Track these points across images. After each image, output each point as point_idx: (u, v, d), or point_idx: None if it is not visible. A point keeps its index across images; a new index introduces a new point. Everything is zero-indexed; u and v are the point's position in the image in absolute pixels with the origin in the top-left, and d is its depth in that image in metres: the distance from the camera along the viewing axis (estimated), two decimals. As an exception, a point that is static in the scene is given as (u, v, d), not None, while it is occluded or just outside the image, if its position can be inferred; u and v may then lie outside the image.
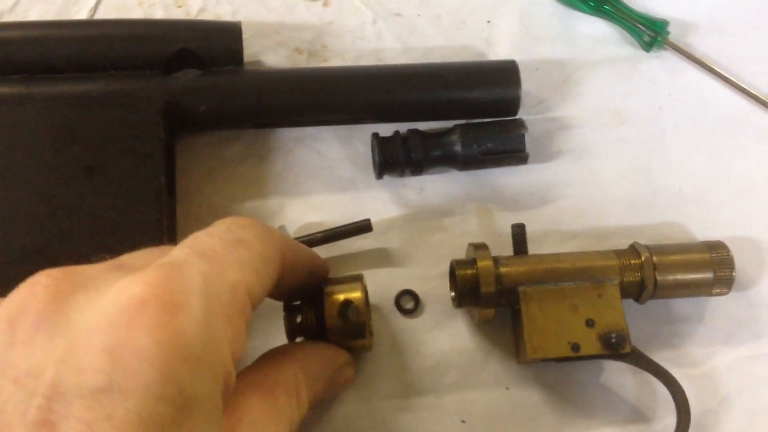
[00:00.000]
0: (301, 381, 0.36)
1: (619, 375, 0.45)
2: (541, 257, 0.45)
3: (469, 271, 0.44)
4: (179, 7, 0.51)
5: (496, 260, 0.44)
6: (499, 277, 0.43)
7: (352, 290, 0.40)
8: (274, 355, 0.37)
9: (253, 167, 0.48)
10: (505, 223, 0.48)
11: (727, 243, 0.45)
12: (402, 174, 0.47)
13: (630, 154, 0.50)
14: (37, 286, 0.26)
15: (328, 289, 0.41)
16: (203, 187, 0.48)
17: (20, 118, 0.43)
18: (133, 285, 0.25)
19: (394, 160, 0.46)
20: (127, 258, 0.31)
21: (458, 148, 0.46)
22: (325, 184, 0.48)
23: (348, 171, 0.49)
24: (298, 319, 0.41)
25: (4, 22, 0.49)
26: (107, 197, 0.42)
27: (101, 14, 0.51)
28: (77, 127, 0.43)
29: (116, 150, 0.43)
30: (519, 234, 0.45)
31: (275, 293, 0.36)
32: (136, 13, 0.51)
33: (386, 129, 0.48)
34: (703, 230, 0.48)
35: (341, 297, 0.40)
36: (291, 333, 0.41)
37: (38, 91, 0.44)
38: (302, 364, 0.37)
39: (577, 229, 0.48)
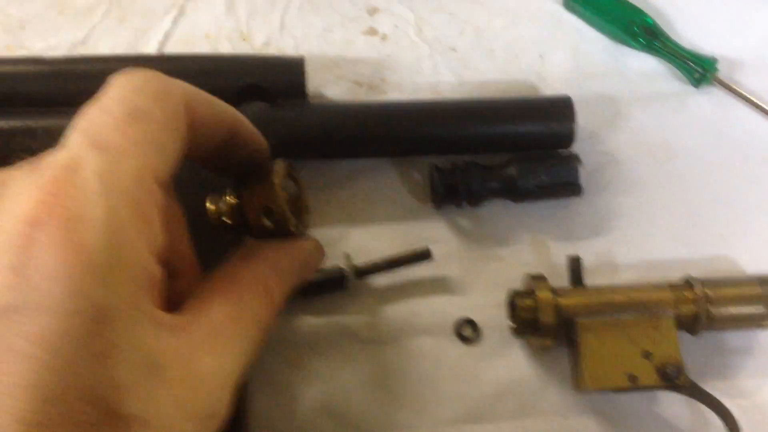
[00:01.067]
0: (272, 279, 0.34)
1: (673, 405, 0.47)
2: (598, 289, 0.46)
3: (528, 302, 0.45)
4: (244, 40, 0.53)
5: (555, 291, 0.45)
6: (557, 309, 0.44)
7: (268, 190, 0.36)
8: (240, 255, 0.35)
9: (315, 196, 0.50)
10: (558, 253, 0.49)
11: (777, 277, 0.46)
12: (460, 204, 0.49)
13: (680, 187, 0.51)
14: None
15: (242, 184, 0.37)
16: (267, 216, 0.49)
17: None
18: (27, 200, 0.25)
19: (453, 191, 0.48)
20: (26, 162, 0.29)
21: (515, 180, 0.48)
22: (384, 213, 0.50)
23: (406, 201, 0.50)
24: (220, 207, 0.37)
25: (78, 56, 0.50)
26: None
27: (169, 47, 0.52)
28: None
29: (185, 185, 0.44)
30: (575, 266, 0.47)
31: (195, 157, 0.33)
32: (203, 46, 0.52)
33: (444, 160, 0.49)
34: (751, 264, 0.50)
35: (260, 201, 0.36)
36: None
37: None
38: (272, 262, 0.35)
39: (628, 261, 0.50)
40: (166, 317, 0.27)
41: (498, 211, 0.50)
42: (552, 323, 0.44)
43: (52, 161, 0.26)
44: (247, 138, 0.35)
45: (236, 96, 0.47)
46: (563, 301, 0.45)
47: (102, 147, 0.26)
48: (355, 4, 0.54)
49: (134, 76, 0.29)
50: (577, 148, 0.49)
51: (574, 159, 0.48)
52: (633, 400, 0.47)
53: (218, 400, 0.29)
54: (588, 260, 0.48)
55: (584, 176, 0.49)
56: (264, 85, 0.47)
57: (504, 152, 0.49)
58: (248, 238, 0.37)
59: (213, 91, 0.46)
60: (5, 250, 0.24)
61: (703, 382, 0.45)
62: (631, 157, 0.51)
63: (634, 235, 0.50)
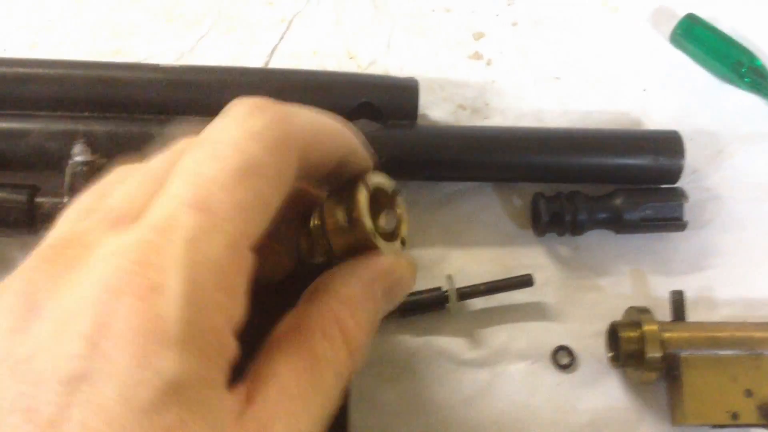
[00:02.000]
0: (344, 315, 0.29)
1: (767, 443, 0.47)
2: (701, 325, 0.46)
3: (632, 334, 0.45)
4: (351, 58, 0.54)
5: (660, 325, 0.45)
6: (663, 342, 0.44)
7: (348, 191, 0.32)
8: (306, 296, 0.30)
9: (418, 217, 0.50)
10: (656, 287, 0.49)
11: None
12: (562, 233, 0.49)
13: (780, 227, 0.51)
14: (39, 264, 0.25)
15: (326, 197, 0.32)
16: (369, 233, 0.50)
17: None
18: (110, 266, 0.23)
19: (559, 219, 0.48)
20: (123, 197, 0.27)
21: (621, 212, 0.48)
22: (484, 237, 0.50)
23: (506, 226, 0.51)
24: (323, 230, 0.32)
25: (195, 65, 0.51)
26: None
27: (276, 61, 0.53)
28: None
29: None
30: (678, 300, 0.47)
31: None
32: (310, 62, 0.53)
33: (543, 188, 0.50)
34: None
35: (335, 200, 0.32)
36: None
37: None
38: (338, 296, 0.30)
39: (727, 297, 0.50)
40: (233, 396, 0.25)
41: (598, 241, 0.50)
42: (658, 357, 0.44)
43: (148, 221, 0.25)
44: (357, 163, 0.32)
45: (347, 113, 0.48)
46: (668, 335, 0.45)
47: (202, 209, 0.24)
48: (460, 29, 0.55)
49: (257, 115, 0.26)
50: (680, 182, 0.50)
51: (680, 195, 0.49)
52: (728, 436, 0.47)
53: None
54: (687, 295, 0.48)
55: (686, 211, 0.49)
56: (378, 104, 0.48)
57: (608, 183, 0.50)
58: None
59: (325, 107, 0.47)
60: (82, 318, 0.23)
61: (800, 422, 0.45)
62: (732, 195, 0.52)
63: (733, 273, 0.50)
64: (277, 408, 0.26)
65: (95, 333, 0.22)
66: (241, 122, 0.26)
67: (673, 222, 0.49)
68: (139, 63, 0.52)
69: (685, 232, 0.50)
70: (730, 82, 0.54)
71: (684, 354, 0.45)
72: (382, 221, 0.33)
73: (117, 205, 0.26)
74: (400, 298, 0.33)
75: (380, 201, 0.33)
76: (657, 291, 0.49)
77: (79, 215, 0.27)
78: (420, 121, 0.51)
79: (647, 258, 0.50)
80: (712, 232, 0.51)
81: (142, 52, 0.53)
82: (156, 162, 0.28)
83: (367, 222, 0.31)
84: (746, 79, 0.53)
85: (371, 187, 0.32)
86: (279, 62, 0.53)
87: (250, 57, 0.54)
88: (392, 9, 0.55)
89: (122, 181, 0.27)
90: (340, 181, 0.32)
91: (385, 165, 0.47)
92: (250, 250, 0.25)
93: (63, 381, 0.22)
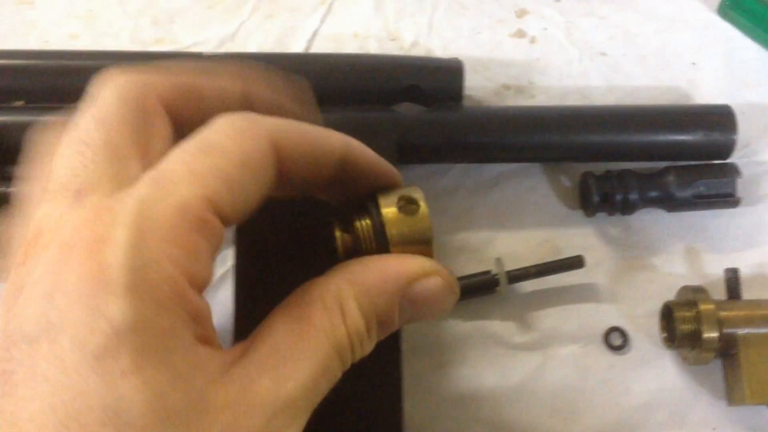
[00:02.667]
0: (347, 293, 0.29)
1: (827, 421, 0.46)
2: (758, 303, 0.45)
3: (687, 314, 0.45)
4: (392, 40, 0.53)
5: (716, 304, 0.44)
6: (720, 322, 0.44)
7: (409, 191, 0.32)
8: (323, 276, 0.31)
9: (464, 200, 0.50)
10: (710, 265, 0.49)
11: None
12: (613, 213, 0.48)
13: (837, 201, 0.50)
14: (20, 268, 0.26)
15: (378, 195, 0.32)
16: (416, 217, 0.49)
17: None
18: (67, 227, 0.25)
19: (610, 199, 0.47)
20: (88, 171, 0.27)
21: (673, 189, 0.47)
22: (532, 219, 0.50)
23: (555, 207, 0.50)
24: (344, 234, 0.32)
25: (237, 52, 0.51)
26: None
27: (317, 45, 0.53)
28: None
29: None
30: (733, 279, 0.46)
31: (305, 191, 0.32)
32: (350, 45, 0.53)
33: (592, 167, 0.49)
34: None
35: (399, 195, 0.32)
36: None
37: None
38: (350, 276, 0.30)
39: (782, 274, 0.49)
40: (216, 353, 0.26)
41: (649, 220, 0.49)
42: (715, 337, 0.44)
43: (101, 190, 0.26)
44: (367, 166, 0.32)
45: (392, 96, 0.47)
46: (724, 314, 0.44)
47: (158, 178, 0.26)
48: (503, 6, 0.54)
49: (226, 116, 0.28)
50: (731, 158, 0.49)
51: (733, 170, 0.48)
52: (786, 415, 0.46)
53: (281, 426, 0.26)
54: (742, 272, 0.47)
55: (739, 187, 0.48)
56: (423, 87, 0.47)
57: (656, 161, 0.49)
58: None
59: (370, 91, 0.47)
60: (42, 279, 0.24)
61: None
62: (786, 169, 0.51)
63: (788, 249, 0.49)
64: (264, 364, 0.26)
65: (52, 289, 0.24)
66: (212, 126, 0.28)
67: (726, 198, 0.48)
68: (180, 51, 0.51)
69: (739, 208, 0.49)
70: (781, 53, 0.52)
71: (741, 333, 0.44)
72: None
73: (68, 181, 0.27)
74: (430, 313, 0.32)
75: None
76: (711, 269, 0.48)
77: (39, 195, 0.28)
78: (464, 103, 0.51)
79: (700, 236, 0.49)
80: (766, 208, 0.50)
81: (184, 40, 0.53)
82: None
83: (390, 232, 0.31)
84: (799, 50, 0.51)
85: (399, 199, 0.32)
86: (320, 46, 0.53)
87: (292, 41, 0.53)
88: (433, -12, 0.55)
89: (59, 152, 0.28)
90: (373, 186, 0.33)
91: (431, 148, 0.47)
92: (213, 214, 0.26)
93: (29, 339, 0.23)
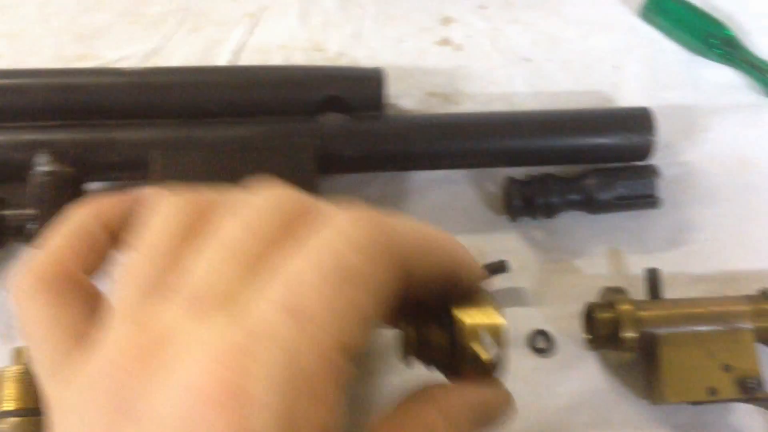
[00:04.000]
0: (439, 423, 0.30)
1: (747, 416, 0.46)
2: (677, 302, 0.46)
3: (607, 315, 0.45)
4: (318, 50, 0.53)
5: (635, 304, 0.45)
6: (638, 322, 0.44)
7: (491, 316, 0.32)
8: (407, 401, 0.31)
9: (390, 208, 0.50)
10: (633, 265, 0.49)
11: None
12: (535, 217, 0.49)
13: (756, 199, 0.51)
14: (124, 372, 0.24)
15: (462, 310, 0.32)
16: (343, 226, 0.50)
17: (178, 161, 0.46)
18: (200, 367, 0.23)
19: (531, 203, 0.48)
20: (205, 277, 0.25)
21: (593, 192, 0.48)
22: (458, 225, 0.50)
23: (480, 212, 0.50)
24: (420, 337, 0.33)
25: (160, 67, 0.51)
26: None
27: (243, 58, 0.53)
28: (233, 170, 0.45)
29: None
30: (653, 278, 0.47)
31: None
32: (277, 57, 0.53)
33: (517, 171, 0.49)
34: (830, 276, 0.49)
35: (481, 322, 0.32)
36: (407, 350, 0.33)
37: (195, 135, 0.46)
38: (441, 406, 0.30)
39: (704, 272, 0.49)
40: None
41: (572, 222, 0.50)
42: (634, 337, 0.44)
43: (243, 324, 0.24)
44: (466, 277, 0.32)
45: (315, 107, 0.48)
46: (643, 314, 0.45)
47: (300, 317, 0.24)
48: (429, 15, 0.55)
49: (359, 226, 0.26)
50: (653, 159, 0.49)
51: (653, 171, 0.48)
52: (708, 411, 0.46)
53: None
54: (664, 272, 0.48)
55: (660, 188, 0.49)
56: (344, 96, 0.48)
57: (580, 164, 0.49)
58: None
59: (294, 103, 0.47)
60: (171, 425, 0.22)
61: (779, 394, 0.45)
62: (707, 169, 0.51)
63: (710, 247, 0.50)
64: None
65: None
66: (343, 231, 0.26)
67: (647, 199, 0.48)
68: (101, 68, 0.52)
69: (661, 209, 0.49)
70: (702, 54, 0.53)
71: (660, 332, 0.44)
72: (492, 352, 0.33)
73: (199, 285, 0.25)
74: (490, 426, 0.33)
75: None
76: (634, 269, 0.49)
77: (150, 287, 0.26)
78: (390, 111, 0.51)
79: (623, 237, 0.50)
80: (687, 208, 0.51)
81: (108, 56, 0.53)
82: (234, 230, 0.26)
83: (484, 355, 0.31)
84: (718, 51, 0.52)
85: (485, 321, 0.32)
86: (246, 58, 0.53)
87: (218, 54, 0.54)
88: (359, -2, 0.55)
89: (198, 249, 0.26)
90: (450, 295, 0.32)
91: (355, 158, 0.48)
92: (346, 359, 0.25)
93: None
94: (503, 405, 0.34)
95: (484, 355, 0.31)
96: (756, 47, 0.53)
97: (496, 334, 0.32)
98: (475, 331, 0.31)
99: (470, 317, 0.31)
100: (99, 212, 0.30)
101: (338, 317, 0.24)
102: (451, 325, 0.32)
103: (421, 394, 0.31)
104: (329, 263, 0.25)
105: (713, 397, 0.43)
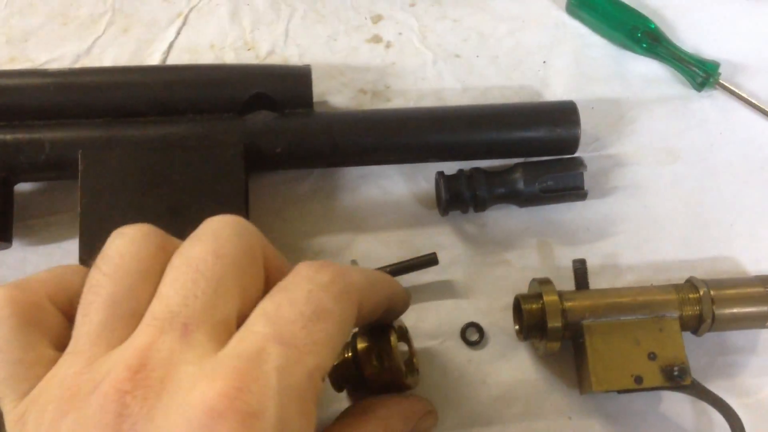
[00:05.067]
0: None
1: (677, 404, 0.47)
2: (604, 292, 0.46)
3: (534, 306, 0.46)
4: (249, 50, 0.53)
5: (561, 295, 0.46)
6: (564, 312, 0.45)
7: (381, 338, 0.39)
8: (354, 415, 0.37)
9: (322, 204, 0.50)
10: (563, 257, 0.50)
11: (778, 277, 0.47)
12: (466, 210, 0.49)
13: (683, 190, 0.52)
14: (125, 396, 0.25)
15: (359, 339, 0.40)
16: (274, 224, 0.50)
17: (107, 160, 0.45)
18: (210, 393, 0.25)
19: (459, 197, 0.48)
20: (181, 300, 0.28)
21: (520, 185, 0.48)
22: (390, 220, 0.50)
23: (413, 207, 0.51)
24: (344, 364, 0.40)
25: (87, 67, 0.51)
26: (191, 237, 0.44)
27: (173, 57, 0.53)
28: (162, 169, 0.45)
29: (199, 191, 0.45)
30: (580, 269, 0.47)
31: None
32: (207, 56, 0.53)
33: (448, 167, 0.50)
34: (754, 264, 0.50)
35: (370, 345, 0.39)
36: (337, 379, 0.41)
37: (123, 134, 0.46)
38: (385, 422, 0.36)
39: (632, 263, 0.50)
40: None
41: (503, 216, 0.50)
42: (559, 327, 0.45)
43: (237, 351, 0.27)
44: (395, 308, 0.38)
45: (243, 105, 0.48)
46: (570, 305, 0.45)
47: (287, 343, 0.27)
48: (359, 12, 0.55)
49: (322, 272, 0.30)
50: (582, 152, 0.50)
51: (579, 164, 0.49)
52: (638, 400, 0.47)
53: None
54: (593, 263, 0.48)
55: (588, 180, 0.49)
56: (271, 94, 0.48)
57: (509, 158, 0.50)
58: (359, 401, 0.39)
59: (221, 101, 0.47)
60: None
61: (707, 381, 0.45)
62: (635, 161, 0.52)
63: (638, 238, 0.51)
64: None
65: None
66: (310, 277, 0.30)
67: (574, 192, 0.49)
68: (27, 69, 0.51)
69: (591, 201, 0.50)
70: (628, 48, 0.54)
71: (586, 322, 0.45)
72: (406, 362, 0.42)
73: (178, 310, 0.28)
74: None
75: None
76: (564, 261, 0.49)
77: (125, 310, 0.28)
78: (321, 109, 0.51)
79: (553, 229, 0.51)
80: (616, 199, 0.51)
81: (39, 58, 0.53)
82: (200, 252, 0.29)
83: (401, 367, 0.39)
84: (643, 45, 0.53)
85: (397, 332, 0.40)
86: (176, 58, 0.53)
87: (149, 54, 0.53)
88: (289, -3, 0.55)
89: (171, 275, 0.29)
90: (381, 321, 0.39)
91: (284, 155, 0.48)
92: (321, 379, 0.29)
93: None
94: (430, 414, 0.41)
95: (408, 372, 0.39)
96: (681, 40, 0.54)
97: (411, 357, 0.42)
98: (395, 343, 0.39)
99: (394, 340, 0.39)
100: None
101: (318, 347, 0.28)
102: (384, 346, 0.39)
103: (359, 408, 0.37)
104: (303, 301, 0.29)
105: (639, 385, 0.44)
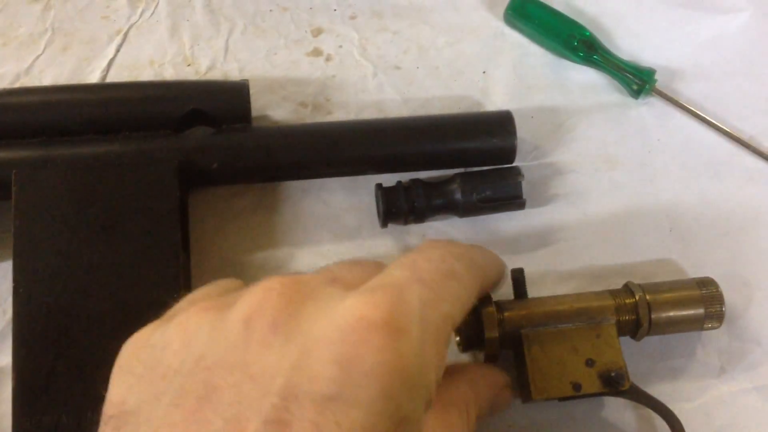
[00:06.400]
0: (471, 399, 0.39)
1: (618, 410, 0.47)
2: (541, 300, 0.47)
3: (471, 317, 0.46)
4: (189, 65, 0.53)
5: (498, 305, 0.46)
6: (501, 322, 0.45)
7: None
8: (447, 374, 0.37)
9: (262, 219, 0.50)
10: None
11: (716, 279, 0.47)
12: (405, 222, 0.49)
13: (622, 196, 0.52)
14: (272, 292, 0.28)
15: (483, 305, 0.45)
16: (215, 240, 0.50)
17: (41, 180, 0.45)
18: (363, 305, 0.27)
19: (397, 209, 0.48)
20: (337, 270, 0.32)
21: (458, 196, 0.49)
22: (332, 233, 0.50)
23: (354, 220, 0.51)
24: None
25: (23, 87, 0.51)
26: (126, 255, 0.44)
27: (113, 75, 0.53)
28: (95, 187, 0.45)
29: (133, 209, 0.45)
30: (518, 278, 0.47)
31: None
32: (147, 73, 0.53)
33: (389, 179, 0.50)
34: (692, 267, 0.51)
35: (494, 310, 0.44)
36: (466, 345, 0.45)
37: (57, 153, 0.46)
38: (472, 383, 0.40)
39: (572, 269, 0.50)
40: None
41: (445, 226, 0.51)
42: (496, 337, 0.45)
43: (382, 280, 0.30)
44: (499, 284, 0.42)
45: (180, 122, 0.48)
46: (507, 314, 0.45)
47: (426, 284, 0.30)
48: (299, 26, 0.55)
49: (454, 244, 0.35)
50: (521, 161, 0.50)
51: (517, 173, 0.49)
52: (579, 407, 0.47)
53: None
54: (533, 271, 0.49)
55: (528, 189, 0.49)
56: (207, 110, 0.48)
57: (448, 168, 0.50)
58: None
59: (157, 118, 0.47)
60: (335, 344, 0.26)
61: (649, 386, 0.46)
62: (574, 169, 0.52)
63: (578, 245, 0.51)
64: None
65: (348, 361, 0.26)
66: (444, 245, 0.34)
67: (513, 201, 0.49)
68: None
69: (531, 209, 0.50)
70: (565, 57, 0.54)
71: (525, 331, 0.45)
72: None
73: (335, 273, 0.32)
74: (498, 410, 0.43)
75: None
76: (506, 271, 0.50)
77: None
78: (262, 123, 0.51)
79: (494, 239, 0.51)
80: (556, 207, 0.52)
81: (-23, 79, 0.53)
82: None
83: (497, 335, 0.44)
84: (579, 53, 0.53)
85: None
86: (116, 75, 0.53)
87: (89, 72, 0.53)
88: (228, 12, 0.55)
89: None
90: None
91: (222, 171, 0.48)
92: (451, 329, 0.31)
93: (316, 400, 0.25)
94: (508, 387, 0.44)
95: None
96: (618, 48, 0.55)
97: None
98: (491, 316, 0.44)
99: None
100: None
101: (451, 299, 0.31)
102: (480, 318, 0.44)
103: (454, 370, 0.41)
104: (440, 262, 0.33)
105: (578, 392, 0.44)
